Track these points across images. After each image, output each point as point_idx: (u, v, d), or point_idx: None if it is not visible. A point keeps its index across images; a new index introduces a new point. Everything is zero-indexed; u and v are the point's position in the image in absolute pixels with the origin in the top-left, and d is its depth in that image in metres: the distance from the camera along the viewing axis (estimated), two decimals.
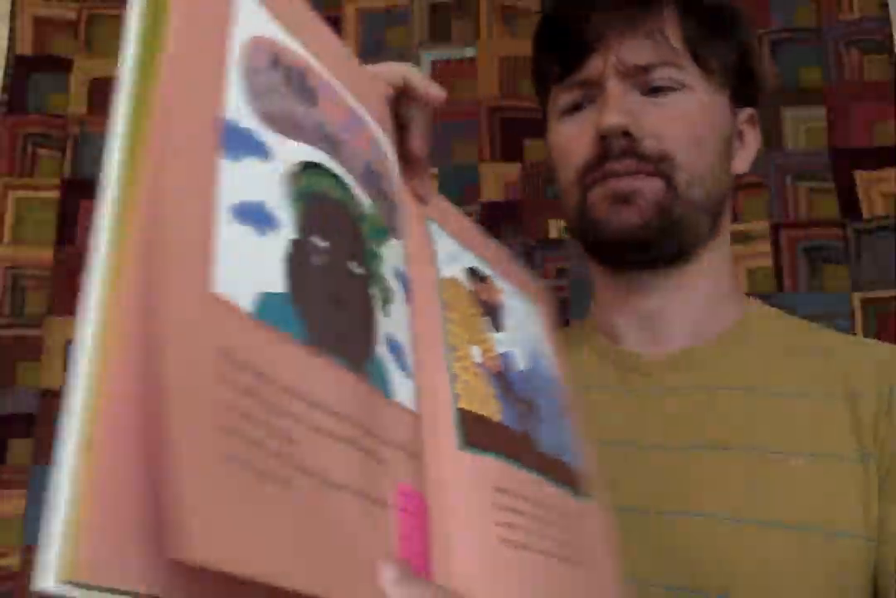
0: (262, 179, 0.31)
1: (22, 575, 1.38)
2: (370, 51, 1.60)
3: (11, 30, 1.60)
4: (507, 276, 0.55)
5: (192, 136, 0.28)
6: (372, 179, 0.40)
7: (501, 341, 0.48)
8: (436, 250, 0.47)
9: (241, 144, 0.31)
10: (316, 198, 0.34)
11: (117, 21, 1.61)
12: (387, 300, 0.38)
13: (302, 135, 0.35)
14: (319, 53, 0.38)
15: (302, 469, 0.29)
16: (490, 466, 0.42)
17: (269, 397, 0.28)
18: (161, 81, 0.28)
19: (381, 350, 0.37)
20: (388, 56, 1.59)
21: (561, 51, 0.66)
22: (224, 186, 0.29)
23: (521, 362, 0.49)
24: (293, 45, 0.36)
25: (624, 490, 0.60)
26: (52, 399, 1.44)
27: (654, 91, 0.64)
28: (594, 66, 0.64)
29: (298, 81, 0.36)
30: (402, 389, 0.38)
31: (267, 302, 0.29)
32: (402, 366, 0.39)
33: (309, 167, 0.35)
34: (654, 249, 0.64)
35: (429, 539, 0.37)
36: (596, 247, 0.68)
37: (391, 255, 0.40)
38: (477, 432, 0.41)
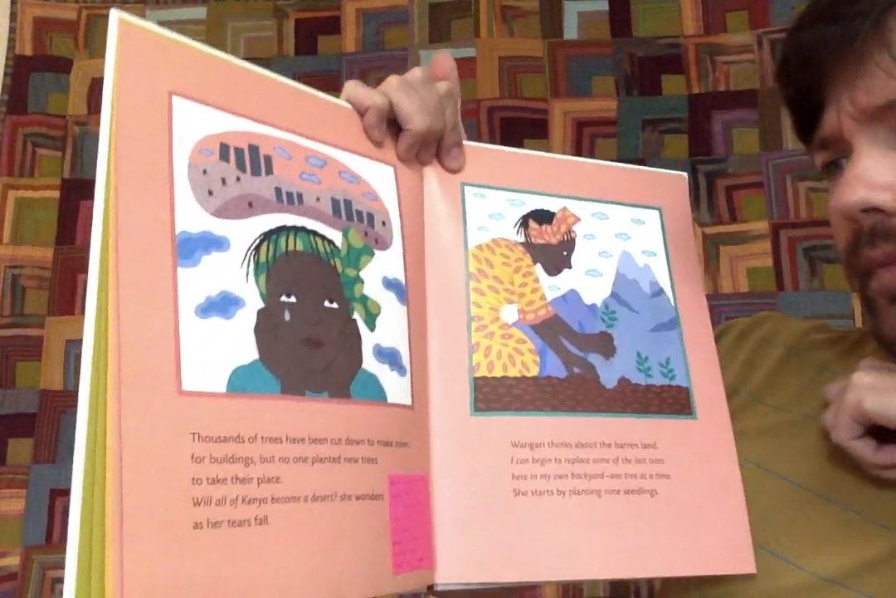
0: (223, 269, 0.38)
1: (22, 575, 1.38)
2: (370, 50, 1.60)
3: (11, 30, 1.60)
4: (602, 192, 0.55)
5: (148, 260, 0.35)
6: (342, 208, 0.45)
7: (559, 285, 0.51)
8: (465, 222, 0.51)
9: (197, 247, 0.37)
10: (281, 260, 0.40)
11: None
12: (373, 315, 0.44)
13: (259, 209, 0.40)
14: (272, 118, 0.43)
15: (283, 500, 0.36)
16: (505, 424, 0.46)
17: (247, 453, 0.35)
18: (117, 217, 0.34)
19: (371, 364, 0.43)
20: (388, 56, 1.59)
21: (794, 110, 0.53)
22: (185, 291, 0.35)
23: (596, 293, 0.52)
24: (243, 126, 0.41)
25: None
26: (52, 399, 1.44)
27: None
28: (829, 121, 0.50)
29: (252, 158, 0.41)
30: (399, 389, 0.44)
31: (239, 375, 0.36)
32: (398, 368, 0.44)
33: (271, 234, 0.40)
34: None
35: (427, 509, 0.43)
36: (883, 346, 0.54)
37: (377, 269, 0.45)
38: (491, 396, 0.46)
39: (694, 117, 1.53)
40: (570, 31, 1.59)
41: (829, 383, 0.55)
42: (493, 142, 1.55)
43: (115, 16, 0.36)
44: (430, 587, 0.43)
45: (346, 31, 1.61)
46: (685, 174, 0.59)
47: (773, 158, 1.49)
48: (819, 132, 0.51)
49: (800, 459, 0.53)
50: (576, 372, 0.49)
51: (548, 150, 1.53)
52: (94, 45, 1.60)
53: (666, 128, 1.53)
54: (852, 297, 1.41)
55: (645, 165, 1.63)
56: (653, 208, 0.57)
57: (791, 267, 1.44)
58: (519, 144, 1.54)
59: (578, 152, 1.52)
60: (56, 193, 1.53)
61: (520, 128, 1.55)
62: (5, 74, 1.58)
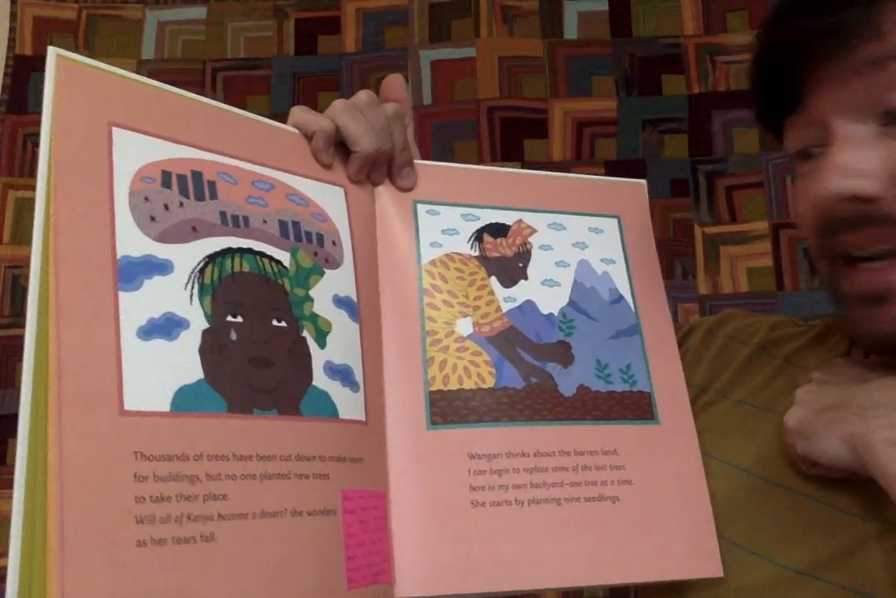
0: (167, 292, 0.38)
1: None
2: (370, 51, 1.60)
3: (11, 30, 1.60)
4: (558, 204, 0.55)
5: (88, 285, 0.35)
6: (290, 229, 0.45)
7: (515, 296, 0.51)
8: (418, 239, 0.51)
9: (138, 272, 0.37)
10: (226, 281, 0.41)
11: (117, 21, 1.61)
12: (324, 333, 0.44)
13: (204, 232, 0.41)
14: (216, 145, 0.43)
15: (230, 517, 0.36)
16: (462, 436, 0.46)
17: (192, 471, 0.35)
18: (56, 243, 0.35)
19: (321, 381, 0.43)
20: (388, 56, 1.59)
21: (768, 94, 0.51)
22: (126, 315, 0.36)
23: (553, 303, 0.52)
24: (186, 153, 0.42)
25: None
26: None
27: None
28: (812, 107, 0.48)
29: (195, 184, 0.41)
30: (351, 404, 0.44)
31: (183, 395, 0.36)
32: (350, 384, 0.44)
33: (216, 256, 0.41)
34: None
35: (385, 525, 0.43)
36: (855, 342, 0.54)
37: (327, 288, 0.45)
38: (447, 410, 0.46)
39: (694, 117, 1.53)
40: (570, 31, 1.59)
41: (792, 375, 0.56)
42: (493, 142, 1.55)
43: (53, 52, 0.38)
44: None
45: (346, 31, 1.61)
46: (644, 182, 0.59)
47: (773, 158, 1.49)
48: (797, 116, 0.49)
49: (763, 452, 0.53)
50: (533, 382, 0.49)
51: (548, 150, 1.53)
52: (94, 45, 1.60)
53: (666, 128, 1.53)
54: None
55: (645, 165, 1.63)
56: (611, 217, 0.56)
57: (791, 267, 1.44)
58: (519, 144, 1.54)
59: (578, 152, 1.52)
60: None
61: (520, 128, 1.55)
62: (5, 74, 1.58)
